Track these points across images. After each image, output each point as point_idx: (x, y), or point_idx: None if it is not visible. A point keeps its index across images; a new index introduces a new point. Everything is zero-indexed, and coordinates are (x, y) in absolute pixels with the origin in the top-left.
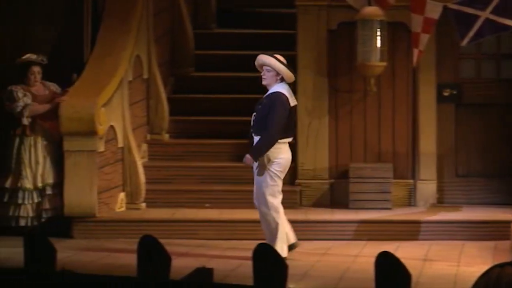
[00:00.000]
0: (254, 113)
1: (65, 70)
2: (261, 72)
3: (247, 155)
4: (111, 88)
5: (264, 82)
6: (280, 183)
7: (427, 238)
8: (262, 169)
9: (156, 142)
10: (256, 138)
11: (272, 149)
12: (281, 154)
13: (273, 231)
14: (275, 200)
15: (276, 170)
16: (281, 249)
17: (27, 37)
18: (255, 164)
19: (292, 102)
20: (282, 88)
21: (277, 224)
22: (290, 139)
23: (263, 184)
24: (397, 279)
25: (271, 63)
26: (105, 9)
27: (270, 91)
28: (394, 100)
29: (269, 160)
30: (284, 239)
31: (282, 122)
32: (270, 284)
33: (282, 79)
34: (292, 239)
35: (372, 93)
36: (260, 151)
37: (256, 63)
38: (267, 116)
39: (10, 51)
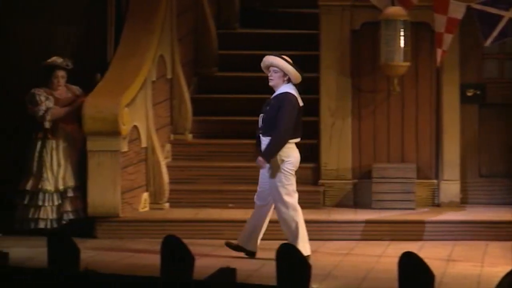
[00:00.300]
0: (262, 114)
1: (89, 70)
2: (268, 73)
3: (259, 158)
4: (135, 88)
5: (271, 83)
6: (294, 181)
7: (451, 238)
8: (276, 170)
9: (179, 142)
10: (264, 139)
11: (283, 149)
12: (292, 153)
13: (294, 231)
14: (292, 199)
15: (290, 169)
16: (303, 248)
17: (51, 37)
18: (267, 166)
19: (300, 102)
20: (289, 89)
21: (296, 223)
22: (298, 139)
23: (278, 184)
24: (420, 279)
25: (279, 63)
26: (128, 9)
27: (278, 91)
28: (418, 100)
29: (282, 161)
30: (305, 237)
31: (291, 122)
32: (294, 284)
33: (289, 80)
34: None
35: (395, 93)
36: (272, 152)
37: (262, 64)
38: (276, 117)
39: (35, 51)
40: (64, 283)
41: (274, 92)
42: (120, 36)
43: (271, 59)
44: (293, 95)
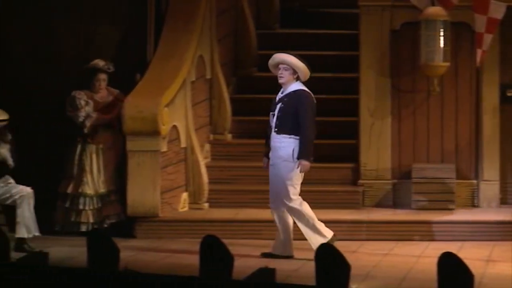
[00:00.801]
0: (273, 113)
1: (129, 70)
2: (276, 72)
3: (302, 162)
4: (174, 88)
5: (281, 81)
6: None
7: (490, 238)
8: (290, 169)
9: (218, 142)
10: (278, 137)
11: (296, 149)
12: None
13: (312, 226)
14: (298, 199)
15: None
16: (325, 233)
17: (91, 38)
18: (282, 166)
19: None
20: (302, 86)
21: (310, 217)
22: None
23: (288, 183)
24: (459, 280)
25: (291, 61)
26: (168, 9)
27: (290, 89)
28: (457, 100)
29: (295, 160)
30: (321, 225)
31: (314, 118)
32: (333, 284)
33: (298, 78)
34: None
35: (435, 94)
36: (309, 151)
37: (271, 62)
38: (295, 115)
39: (75, 51)
40: (104, 283)
41: (315, 92)
42: (159, 36)
43: (282, 56)
44: (309, 92)
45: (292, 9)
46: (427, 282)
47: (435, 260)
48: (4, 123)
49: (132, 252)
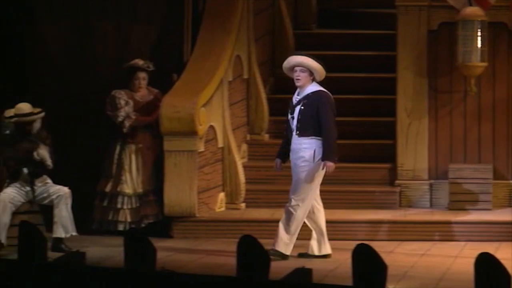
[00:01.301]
0: (292, 116)
1: (166, 70)
2: (291, 74)
3: (327, 163)
4: (211, 88)
5: (298, 84)
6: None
7: None
8: (312, 168)
9: (256, 142)
10: (300, 139)
11: (318, 149)
12: None
13: (292, 229)
14: (310, 203)
15: (322, 170)
16: (286, 247)
17: (128, 38)
18: (301, 167)
19: None
20: (319, 87)
21: (299, 225)
22: None
23: (306, 183)
24: (496, 280)
25: (308, 62)
26: (205, 9)
27: (308, 91)
28: (494, 101)
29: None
30: (293, 238)
31: (335, 118)
32: (369, 285)
33: (314, 79)
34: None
35: (472, 94)
36: (334, 152)
37: (286, 64)
38: (315, 116)
39: (112, 52)
40: (141, 283)
41: (353, 93)
42: (196, 36)
43: (298, 59)
44: (327, 92)
45: (329, 9)
46: (464, 283)
47: (472, 261)
48: (40, 115)
49: (169, 252)
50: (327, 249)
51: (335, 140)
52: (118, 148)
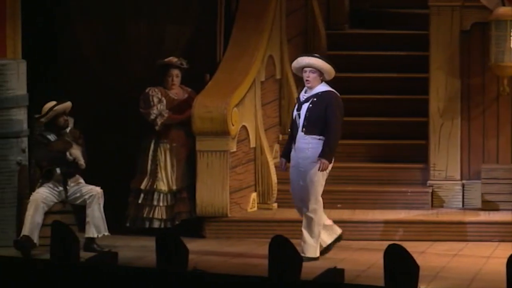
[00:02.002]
0: (299, 112)
1: (198, 70)
2: (301, 75)
3: (322, 161)
4: (244, 88)
5: (309, 84)
6: None
7: None
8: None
9: None
10: (306, 138)
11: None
12: None
13: (316, 233)
14: (321, 200)
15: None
16: (315, 250)
17: (161, 38)
18: (309, 168)
19: None
20: (328, 87)
21: (320, 226)
22: None
23: (316, 183)
24: None
25: (319, 64)
26: (238, 9)
27: (317, 90)
28: None
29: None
30: (319, 240)
31: (342, 120)
32: (401, 285)
33: (323, 79)
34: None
35: (504, 94)
36: (332, 152)
37: (296, 65)
38: (323, 116)
39: (145, 51)
40: (172, 283)
41: (385, 93)
42: (229, 36)
43: (308, 60)
44: (336, 93)
45: (362, 10)
46: (497, 283)
47: (504, 261)
48: (67, 104)
49: (201, 252)
50: (336, 230)
51: (337, 142)
52: (152, 146)
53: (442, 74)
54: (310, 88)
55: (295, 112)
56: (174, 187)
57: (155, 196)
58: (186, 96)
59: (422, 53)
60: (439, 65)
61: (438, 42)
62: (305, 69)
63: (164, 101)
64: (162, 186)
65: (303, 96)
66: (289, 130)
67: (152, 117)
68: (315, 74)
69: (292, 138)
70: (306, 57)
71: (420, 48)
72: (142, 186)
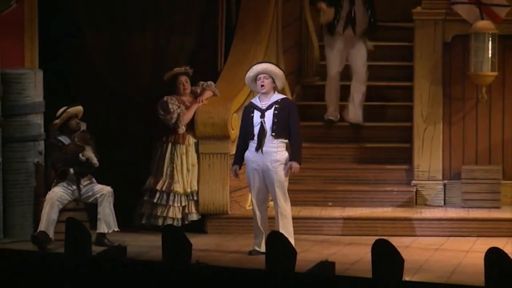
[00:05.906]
0: (263, 119)
1: (200, 78)
2: (257, 82)
3: (294, 164)
4: (243, 96)
5: (264, 90)
6: None
7: None
8: (283, 169)
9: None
10: (275, 141)
11: (286, 149)
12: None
13: (290, 229)
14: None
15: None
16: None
17: (165, 48)
18: (279, 170)
19: None
20: (283, 94)
21: (291, 221)
22: None
23: (284, 183)
24: (505, 273)
25: (272, 69)
26: (238, 22)
27: (276, 97)
28: (504, 107)
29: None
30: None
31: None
32: (388, 277)
33: (275, 87)
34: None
35: (483, 101)
36: (301, 155)
37: (250, 73)
38: (288, 121)
39: (148, 60)
40: (177, 275)
41: (372, 100)
42: (229, 47)
43: (264, 66)
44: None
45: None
46: (475, 275)
47: (482, 255)
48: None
49: (204, 246)
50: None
51: (301, 145)
52: (169, 149)
53: (426, 83)
54: (265, 93)
55: (257, 119)
56: (189, 190)
57: (171, 197)
58: (192, 97)
59: (407, 63)
60: (423, 74)
61: (422, 53)
62: (259, 76)
63: (183, 107)
64: (179, 188)
65: (261, 104)
66: (240, 138)
67: (173, 121)
68: (269, 80)
69: (245, 145)
70: (260, 63)
71: (405, 59)
72: (158, 187)
